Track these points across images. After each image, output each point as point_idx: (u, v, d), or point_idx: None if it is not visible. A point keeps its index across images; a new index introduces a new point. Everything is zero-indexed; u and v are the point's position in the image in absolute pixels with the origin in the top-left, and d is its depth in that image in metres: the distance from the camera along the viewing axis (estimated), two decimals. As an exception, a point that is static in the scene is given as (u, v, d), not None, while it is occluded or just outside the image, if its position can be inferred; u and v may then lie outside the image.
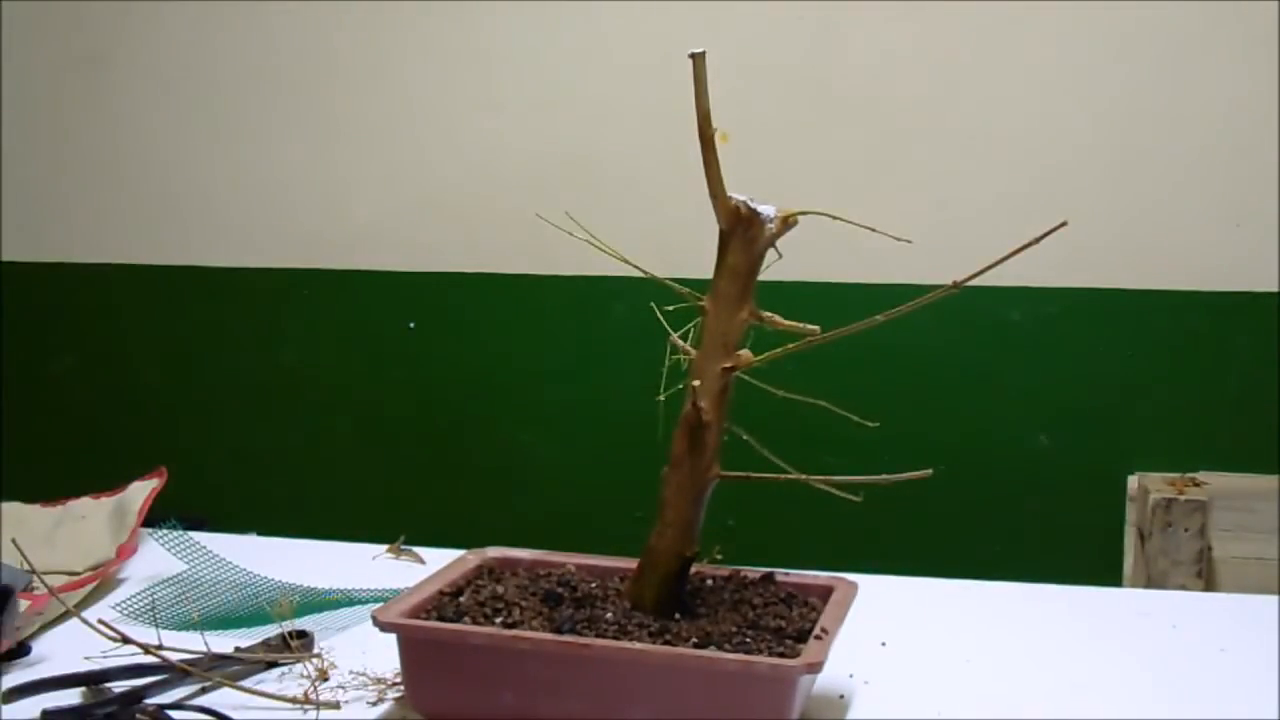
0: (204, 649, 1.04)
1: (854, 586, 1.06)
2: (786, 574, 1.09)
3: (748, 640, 0.96)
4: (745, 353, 1.00)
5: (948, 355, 2.56)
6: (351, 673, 1.07)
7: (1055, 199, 2.46)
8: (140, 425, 2.96)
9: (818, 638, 0.94)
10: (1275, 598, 1.24)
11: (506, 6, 2.68)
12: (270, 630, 1.13)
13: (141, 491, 1.41)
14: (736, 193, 0.98)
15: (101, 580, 1.30)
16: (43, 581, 1.07)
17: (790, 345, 1.00)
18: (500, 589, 1.05)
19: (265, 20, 2.82)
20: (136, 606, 1.22)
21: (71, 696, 1.02)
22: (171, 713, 0.97)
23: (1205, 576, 2.29)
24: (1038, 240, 0.92)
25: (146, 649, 1.01)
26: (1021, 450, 2.54)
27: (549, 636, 0.95)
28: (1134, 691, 1.05)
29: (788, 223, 0.98)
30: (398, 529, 1.46)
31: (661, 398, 1.01)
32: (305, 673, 1.07)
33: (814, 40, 2.55)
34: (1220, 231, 2.44)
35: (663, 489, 1.02)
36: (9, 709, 0.99)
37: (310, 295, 2.87)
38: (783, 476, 1.02)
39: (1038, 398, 2.54)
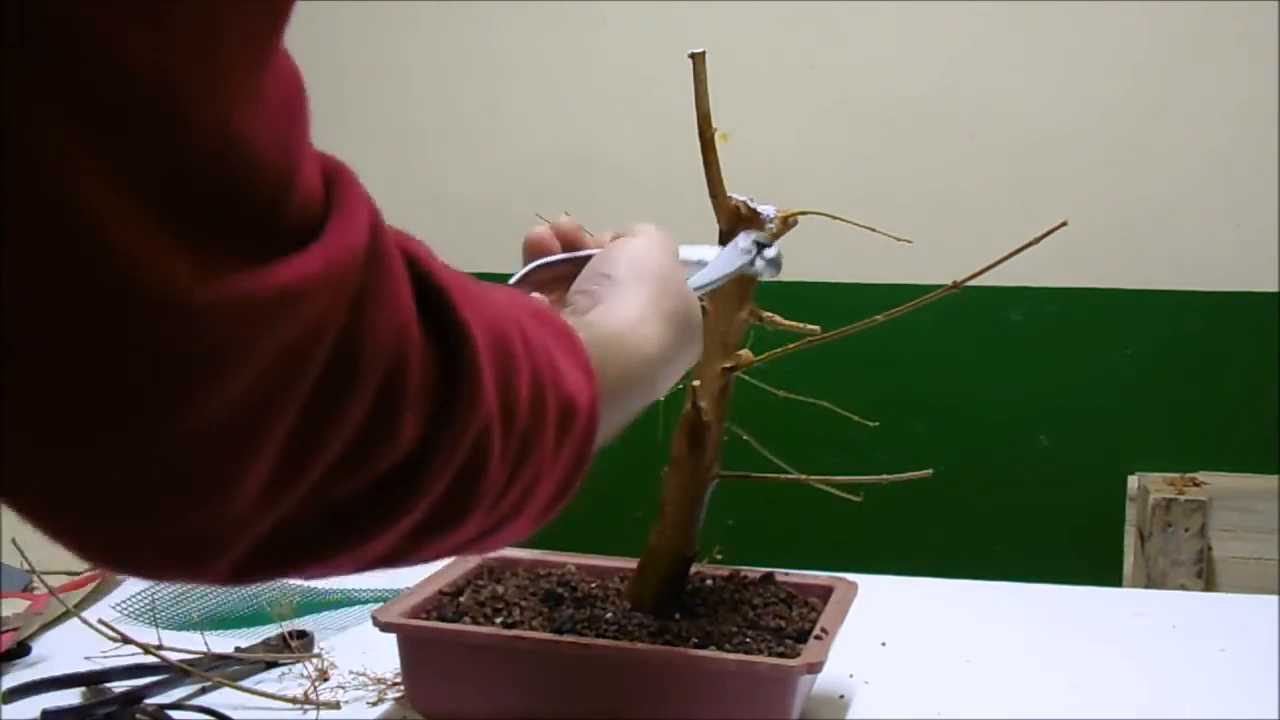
0: (204, 649, 1.04)
1: (854, 586, 1.05)
2: (786, 574, 1.08)
3: (748, 640, 0.95)
4: (745, 353, 1.00)
5: (948, 355, 2.56)
6: (351, 673, 1.07)
7: (1055, 198, 2.46)
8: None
9: (818, 638, 0.94)
10: (1275, 598, 1.24)
11: (508, 6, 2.68)
12: (270, 630, 1.13)
13: (142, 491, 1.40)
14: (736, 193, 0.98)
15: (101, 580, 1.30)
16: (43, 581, 1.07)
17: (790, 345, 1.00)
18: (500, 589, 1.05)
19: (265, 20, 2.81)
20: (136, 606, 1.22)
21: (71, 696, 1.02)
22: (171, 713, 0.97)
23: (1205, 576, 2.29)
24: (1038, 240, 0.93)
25: (146, 649, 1.01)
26: (1021, 450, 2.54)
27: (549, 636, 0.95)
28: (1133, 691, 1.05)
29: (788, 223, 0.98)
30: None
31: (661, 398, 1.01)
32: (305, 673, 1.07)
33: (814, 40, 2.55)
34: (1220, 231, 2.44)
35: (663, 489, 1.02)
36: (9, 709, 0.99)
37: (310, 295, 2.86)
38: (783, 476, 1.02)
39: (1038, 398, 2.53)
